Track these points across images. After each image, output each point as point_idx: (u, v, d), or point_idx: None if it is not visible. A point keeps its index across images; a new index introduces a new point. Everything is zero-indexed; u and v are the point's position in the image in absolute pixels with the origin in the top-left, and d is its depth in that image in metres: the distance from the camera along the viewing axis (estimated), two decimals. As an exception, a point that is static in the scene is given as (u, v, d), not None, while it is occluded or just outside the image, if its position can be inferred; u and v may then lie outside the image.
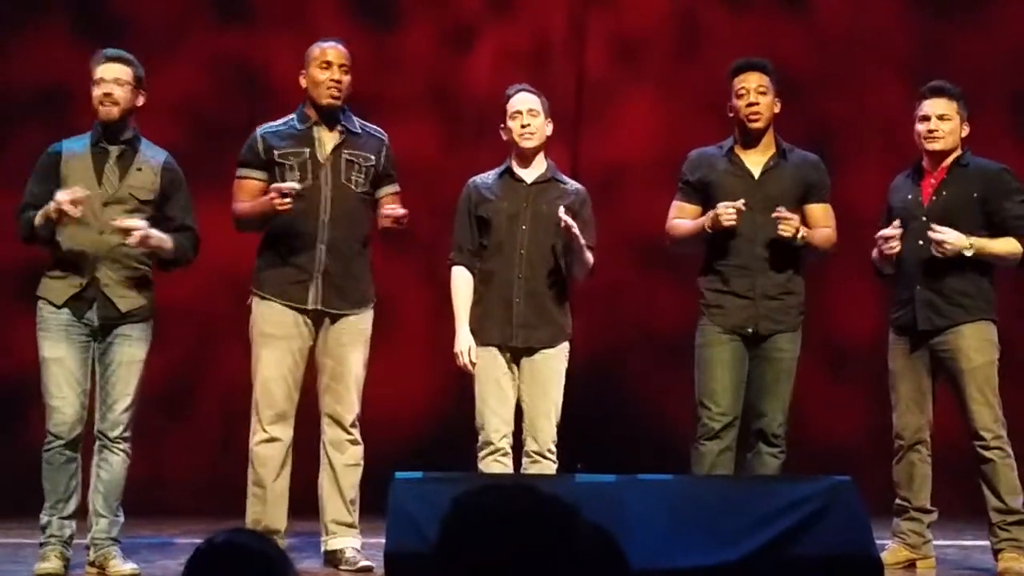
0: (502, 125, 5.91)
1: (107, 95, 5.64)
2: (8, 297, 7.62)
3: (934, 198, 5.89)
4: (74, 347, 5.60)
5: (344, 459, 5.78)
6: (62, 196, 5.43)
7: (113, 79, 5.66)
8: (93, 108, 5.68)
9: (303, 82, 5.84)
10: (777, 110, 5.97)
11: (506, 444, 5.76)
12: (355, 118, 5.92)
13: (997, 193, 5.86)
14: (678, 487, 5.11)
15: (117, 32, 7.81)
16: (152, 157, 5.76)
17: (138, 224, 5.53)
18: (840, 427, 7.91)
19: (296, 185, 5.63)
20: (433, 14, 8.25)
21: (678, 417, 7.07)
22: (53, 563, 5.56)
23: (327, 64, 5.80)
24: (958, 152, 5.92)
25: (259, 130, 5.87)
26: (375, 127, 5.98)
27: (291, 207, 5.58)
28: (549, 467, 5.76)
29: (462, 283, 5.86)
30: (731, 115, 5.98)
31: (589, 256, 5.81)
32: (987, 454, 5.76)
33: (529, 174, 5.89)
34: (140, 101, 5.74)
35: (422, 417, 7.93)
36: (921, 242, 5.80)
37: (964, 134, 5.93)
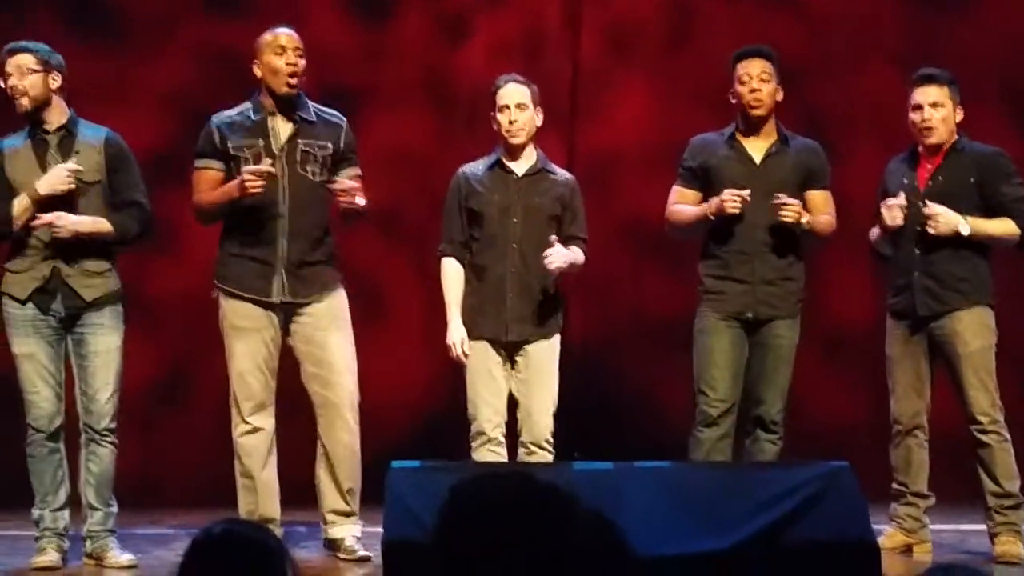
0: (492, 114, 5.87)
1: (13, 88, 5.62)
2: None
3: (930, 183, 5.89)
4: (43, 341, 5.61)
5: (338, 448, 5.76)
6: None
7: (15, 70, 5.62)
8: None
9: (257, 71, 5.74)
10: (780, 98, 5.97)
11: (499, 434, 5.75)
12: (311, 104, 5.83)
13: (993, 177, 5.85)
14: (676, 474, 5.10)
15: (106, 24, 7.80)
16: (92, 136, 5.73)
17: (50, 217, 5.50)
18: (837, 413, 7.91)
19: (270, 168, 5.57)
20: (426, 4, 8.22)
21: (674, 406, 7.07)
22: (51, 556, 5.57)
23: (281, 49, 5.71)
24: (954, 137, 5.91)
25: (214, 120, 5.80)
26: (332, 112, 5.89)
27: (262, 189, 5.53)
28: (545, 458, 5.74)
29: (453, 275, 5.84)
30: (733, 101, 5.98)
31: (580, 259, 5.80)
32: (984, 438, 5.77)
33: (519, 166, 5.85)
34: (55, 83, 5.68)
35: (417, 407, 7.91)
36: (918, 227, 5.80)
37: (959, 119, 5.93)
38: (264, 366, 5.73)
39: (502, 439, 5.77)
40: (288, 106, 5.75)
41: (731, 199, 5.74)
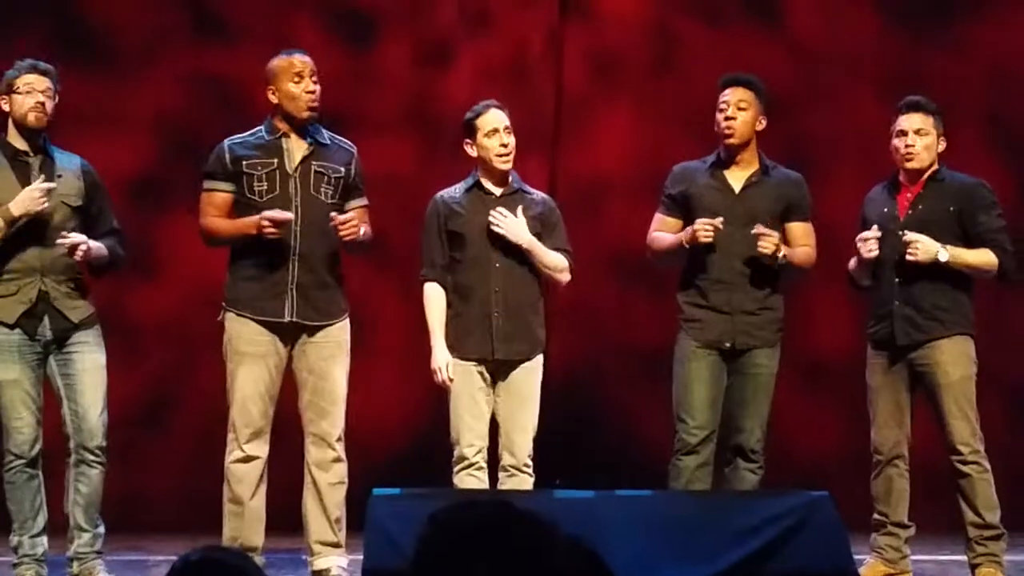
0: (468, 142, 5.87)
1: (41, 104, 5.63)
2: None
3: (910, 211, 5.91)
4: (28, 367, 5.59)
5: (328, 478, 5.71)
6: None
7: (43, 89, 5.65)
8: (15, 115, 5.64)
9: (273, 98, 5.72)
10: (761, 127, 5.97)
11: (480, 459, 5.74)
12: (324, 130, 5.84)
13: (973, 207, 5.88)
14: (656, 503, 5.11)
15: (93, 47, 7.80)
16: (68, 162, 5.76)
17: (81, 238, 5.53)
18: (818, 442, 7.92)
19: (290, 215, 5.58)
20: (410, 29, 8.25)
21: (656, 433, 7.06)
22: (29, 581, 5.55)
23: (299, 76, 5.70)
24: (935, 167, 5.94)
25: (226, 142, 5.79)
26: (343, 139, 5.91)
27: (278, 236, 5.55)
28: (526, 481, 5.74)
29: (435, 299, 5.84)
30: (716, 129, 6.00)
31: (554, 259, 5.80)
32: (965, 469, 5.78)
33: (497, 188, 5.87)
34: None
35: (398, 433, 7.91)
36: (898, 256, 5.82)
37: (941, 149, 5.95)
38: (266, 394, 5.69)
39: (484, 464, 5.76)
40: (302, 129, 5.76)
41: (703, 228, 5.76)
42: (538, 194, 6.00)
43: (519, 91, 7.89)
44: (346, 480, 5.75)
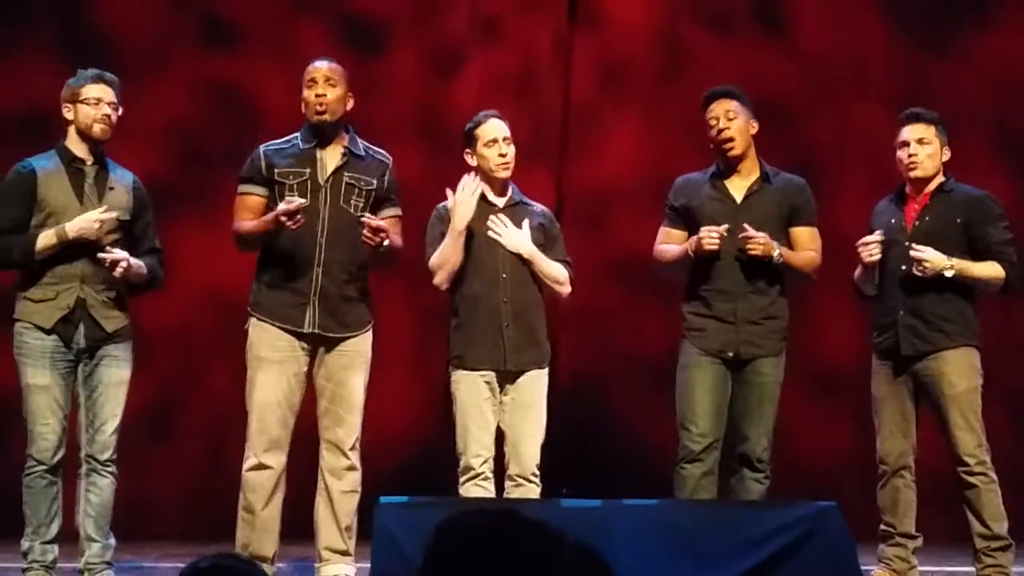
0: (468, 151, 5.88)
1: (107, 116, 5.67)
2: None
3: (917, 223, 5.91)
4: (59, 374, 5.60)
5: (341, 486, 5.71)
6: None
7: (110, 102, 5.69)
8: (80, 125, 5.66)
9: (302, 105, 5.81)
10: (754, 131, 5.99)
11: (487, 469, 5.74)
12: (360, 140, 5.87)
13: (980, 219, 5.88)
14: (664, 512, 5.10)
15: (102, 54, 7.81)
16: (121, 176, 5.80)
17: (123, 255, 5.56)
18: (824, 452, 7.91)
19: (301, 200, 5.59)
20: (419, 39, 8.26)
21: (663, 442, 7.05)
22: (38, 588, 5.55)
23: (312, 82, 5.76)
24: (941, 178, 5.94)
25: (262, 147, 5.83)
26: (380, 150, 5.92)
27: (301, 223, 5.56)
28: (532, 491, 5.74)
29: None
30: (711, 146, 6.01)
31: (555, 270, 5.82)
32: (971, 480, 5.77)
33: (499, 199, 5.89)
34: None
35: (405, 441, 7.91)
36: (904, 267, 5.82)
37: (945, 159, 5.96)
38: (285, 402, 5.68)
39: (490, 474, 5.75)
40: (337, 138, 5.79)
41: (708, 236, 5.77)
42: (538, 206, 6.02)
43: (527, 100, 7.90)
44: (359, 489, 5.75)
